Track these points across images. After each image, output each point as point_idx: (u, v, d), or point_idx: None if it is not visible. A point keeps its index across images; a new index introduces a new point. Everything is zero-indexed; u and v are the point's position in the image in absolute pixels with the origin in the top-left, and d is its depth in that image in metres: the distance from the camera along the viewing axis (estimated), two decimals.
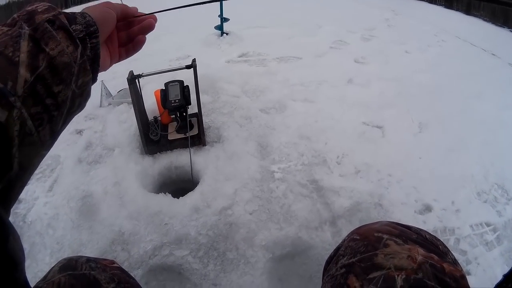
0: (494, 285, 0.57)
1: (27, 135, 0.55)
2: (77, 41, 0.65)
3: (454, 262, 0.85)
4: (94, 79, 0.74)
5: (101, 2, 0.81)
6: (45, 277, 0.88)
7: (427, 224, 2.02)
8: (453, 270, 0.77)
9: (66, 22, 0.65)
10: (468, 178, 2.33)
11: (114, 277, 0.90)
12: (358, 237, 0.95)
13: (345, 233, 1.89)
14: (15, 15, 0.63)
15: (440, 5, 7.10)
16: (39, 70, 0.57)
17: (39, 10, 0.63)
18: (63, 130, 0.73)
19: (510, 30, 5.44)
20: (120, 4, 0.82)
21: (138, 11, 0.88)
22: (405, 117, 2.91)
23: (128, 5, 0.87)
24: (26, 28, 0.58)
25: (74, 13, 0.71)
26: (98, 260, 0.97)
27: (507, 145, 2.62)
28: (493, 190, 2.28)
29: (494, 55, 4.45)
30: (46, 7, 0.65)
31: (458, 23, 5.81)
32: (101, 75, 2.61)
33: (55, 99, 0.61)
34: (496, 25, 5.71)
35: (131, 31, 0.89)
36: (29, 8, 0.64)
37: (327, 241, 1.88)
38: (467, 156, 2.50)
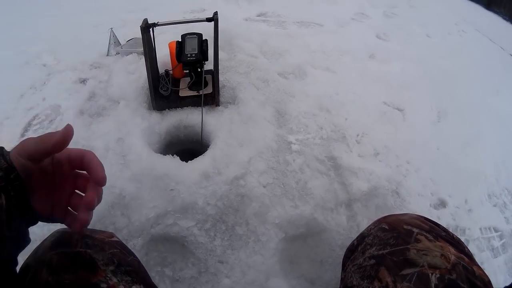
0: None
1: None
2: None
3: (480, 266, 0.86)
4: (33, 222, 0.73)
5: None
6: (35, 252, 0.83)
7: (441, 220, 1.96)
8: (482, 274, 0.80)
9: None
10: (481, 176, 2.29)
11: (114, 258, 0.83)
12: (386, 227, 0.96)
13: (360, 218, 1.83)
14: None
15: None
16: None
17: None
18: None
19: None
20: (36, 138, 0.72)
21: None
22: (425, 102, 2.82)
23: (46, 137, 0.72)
24: None
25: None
26: (95, 235, 0.89)
27: None
28: (503, 195, 2.26)
29: None
30: None
31: (478, 17, 5.79)
32: (110, 23, 2.42)
33: None
34: None
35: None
36: None
37: (341, 225, 1.79)
38: (482, 151, 2.45)
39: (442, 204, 2.05)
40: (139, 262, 0.97)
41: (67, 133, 0.69)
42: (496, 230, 2.00)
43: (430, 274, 0.76)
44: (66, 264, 0.74)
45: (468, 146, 2.46)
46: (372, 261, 0.89)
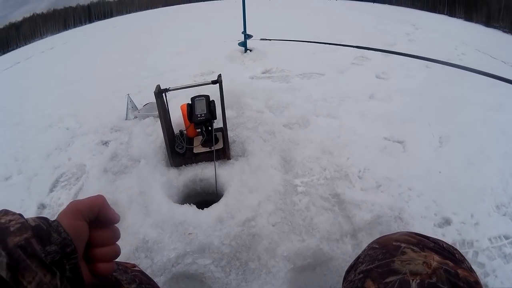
0: None
1: None
2: (53, 268, 0.60)
3: (470, 269, 0.87)
4: None
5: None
6: None
7: (446, 237, 2.01)
8: (467, 275, 0.80)
9: (39, 248, 0.60)
10: (488, 191, 2.32)
11: (136, 278, 0.92)
12: (377, 246, 0.98)
13: (365, 245, 1.91)
14: None
15: (459, 18, 7.12)
16: None
17: (11, 229, 0.60)
18: None
19: None
20: (86, 201, 0.72)
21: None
22: (426, 131, 2.93)
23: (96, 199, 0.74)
24: (3, 252, 0.55)
25: (50, 225, 0.65)
26: (119, 262, 0.97)
27: None
28: None
29: None
30: (19, 225, 0.61)
31: (478, 36, 5.84)
32: (126, 89, 2.72)
33: None
34: None
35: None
36: (2, 221, 0.61)
37: (347, 253, 1.91)
38: (487, 168, 2.50)
39: (446, 222, 2.11)
40: (158, 286, 1.08)
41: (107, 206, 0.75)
42: (506, 238, 2.01)
43: (411, 281, 0.79)
44: (95, 283, 0.77)
45: (472, 164, 2.53)
46: (361, 276, 0.93)
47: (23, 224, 0.62)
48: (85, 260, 0.72)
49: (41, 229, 0.63)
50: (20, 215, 0.64)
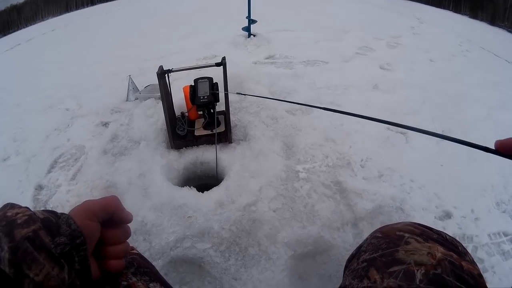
0: None
1: None
2: (62, 261, 0.60)
3: (473, 262, 0.87)
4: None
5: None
6: None
7: (447, 230, 1.95)
8: (471, 268, 0.80)
9: (48, 239, 0.60)
10: (488, 187, 2.33)
11: (134, 262, 0.91)
12: (380, 235, 0.99)
13: (366, 235, 1.89)
14: None
15: (465, 14, 7.09)
16: None
17: (18, 221, 0.59)
18: None
19: None
20: (100, 202, 0.73)
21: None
22: (429, 124, 2.93)
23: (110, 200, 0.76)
24: (6, 247, 0.54)
25: (59, 218, 0.66)
26: None
27: None
28: None
29: None
30: (26, 217, 0.61)
31: (482, 34, 5.83)
32: (128, 71, 2.68)
33: None
34: None
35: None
36: (9, 214, 0.61)
37: (348, 241, 1.90)
38: (488, 165, 2.49)
39: (447, 215, 2.11)
40: (157, 270, 1.05)
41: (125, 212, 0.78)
42: (506, 235, 2.02)
43: (415, 271, 0.79)
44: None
45: (474, 160, 2.53)
46: (364, 264, 0.93)
47: (31, 216, 0.61)
48: (95, 257, 0.74)
49: (50, 221, 0.64)
50: (27, 208, 0.63)
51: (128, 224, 0.81)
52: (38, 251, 0.57)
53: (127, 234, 0.80)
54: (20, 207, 0.63)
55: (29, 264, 0.54)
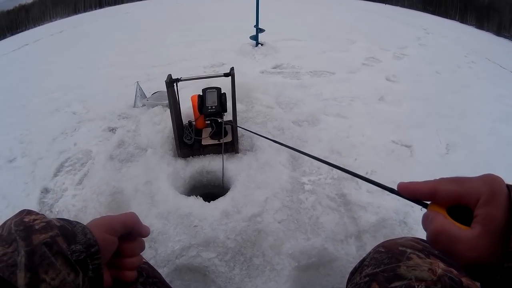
0: None
1: None
2: (77, 268, 0.62)
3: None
4: None
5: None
6: None
7: None
8: (470, 284, 0.81)
9: (64, 246, 0.62)
10: None
11: (143, 272, 0.93)
12: (383, 250, 1.01)
13: (369, 248, 1.92)
14: (11, 226, 0.61)
15: (471, 25, 7.12)
16: None
17: (36, 227, 0.61)
18: None
19: None
20: (120, 218, 0.77)
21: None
22: (434, 137, 2.94)
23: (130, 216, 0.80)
24: (23, 251, 0.56)
25: (74, 226, 0.68)
26: None
27: None
28: None
29: None
30: (44, 224, 0.63)
31: (488, 44, 5.85)
32: (135, 76, 2.70)
33: None
34: None
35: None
36: (26, 220, 0.63)
37: (351, 254, 1.91)
38: None
39: None
40: (164, 280, 1.07)
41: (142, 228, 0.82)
42: None
43: (416, 286, 0.80)
44: None
45: (477, 174, 2.51)
46: (366, 279, 0.94)
47: (49, 223, 0.64)
48: (108, 266, 0.77)
49: (66, 229, 0.66)
50: (44, 215, 0.66)
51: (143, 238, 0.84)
52: (55, 256, 0.59)
53: (142, 247, 0.84)
54: (37, 213, 0.66)
55: (46, 268, 0.56)
